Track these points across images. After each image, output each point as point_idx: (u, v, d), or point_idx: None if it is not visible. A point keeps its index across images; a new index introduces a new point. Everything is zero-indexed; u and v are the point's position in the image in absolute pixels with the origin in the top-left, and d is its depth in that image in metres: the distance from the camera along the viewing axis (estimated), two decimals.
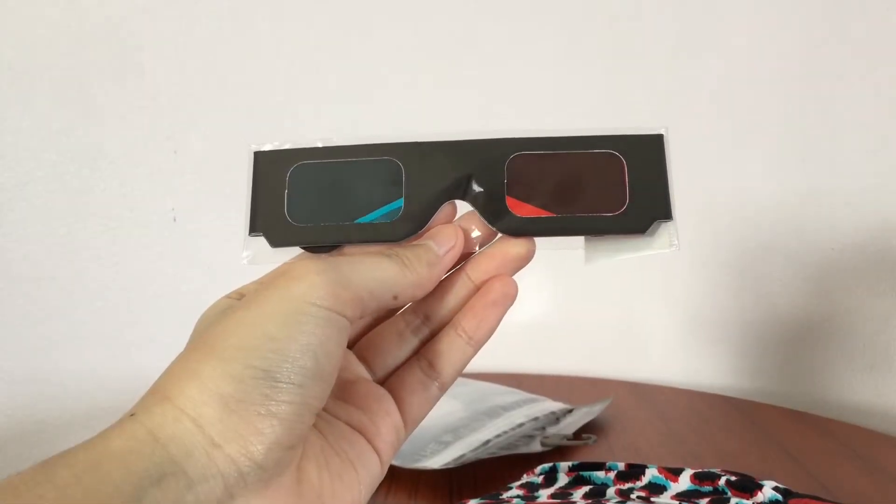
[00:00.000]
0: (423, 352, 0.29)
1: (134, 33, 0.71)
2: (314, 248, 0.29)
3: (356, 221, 0.28)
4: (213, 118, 0.73)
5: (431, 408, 0.29)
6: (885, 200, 0.71)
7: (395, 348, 0.29)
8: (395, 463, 0.50)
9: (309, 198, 0.29)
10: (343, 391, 0.27)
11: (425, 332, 0.29)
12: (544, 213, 0.28)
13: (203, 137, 0.73)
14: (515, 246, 0.28)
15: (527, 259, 0.28)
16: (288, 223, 0.29)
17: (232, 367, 0.22)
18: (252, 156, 0.29)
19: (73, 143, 0.71)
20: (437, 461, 0.49)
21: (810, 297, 0.74)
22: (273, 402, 0.22)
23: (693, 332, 0.77)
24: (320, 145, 0.29)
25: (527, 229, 0.28)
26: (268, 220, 0.29)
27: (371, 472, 0.26)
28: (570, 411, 0.59)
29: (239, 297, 0.27)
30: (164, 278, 0.74)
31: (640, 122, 0.31)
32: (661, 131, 0.29)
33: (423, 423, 0.60)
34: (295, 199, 0.29)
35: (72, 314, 0.73)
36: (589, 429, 0.57)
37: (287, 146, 0.30)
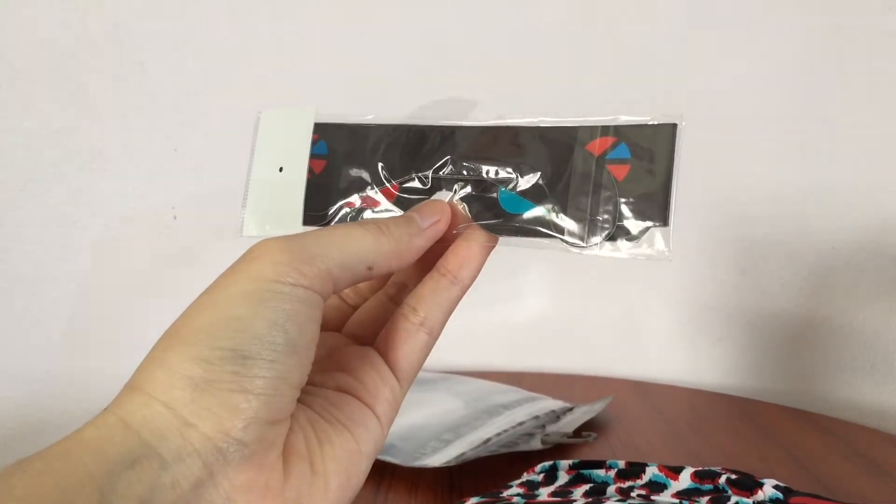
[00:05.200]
0: (407, 299, 0.28)
1: (134, 33, 0.71)
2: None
3: None
4: (214, 117, 0.73)
5: (424, 357, 0.28)
6: (885, 199, 0.71)
7: (378, 317, 0.30)
8: (396, 461, 0.50)
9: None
10: (327, 360, 0.27)
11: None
12: None
13: (203, 136, 0.73)
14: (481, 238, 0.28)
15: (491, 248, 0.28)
16: None
17: (198, 349, 0.22)
18: None
19: (73, 142, 0.71)
20: (437, 459, 0.49)
21: (811, 296, 0.73)
22: (245, 379, 0.22)
23: (694, 330, 0.77)
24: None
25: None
26: None
27: (369, 431, 0.26)
28: (570, 409, 0.59)
29: None
30: (164, 278, 0.74)
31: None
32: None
33: (424, 421, 0.60)
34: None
35: (71, 314, 0.73)
36: (589, 427, 0.57)
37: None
